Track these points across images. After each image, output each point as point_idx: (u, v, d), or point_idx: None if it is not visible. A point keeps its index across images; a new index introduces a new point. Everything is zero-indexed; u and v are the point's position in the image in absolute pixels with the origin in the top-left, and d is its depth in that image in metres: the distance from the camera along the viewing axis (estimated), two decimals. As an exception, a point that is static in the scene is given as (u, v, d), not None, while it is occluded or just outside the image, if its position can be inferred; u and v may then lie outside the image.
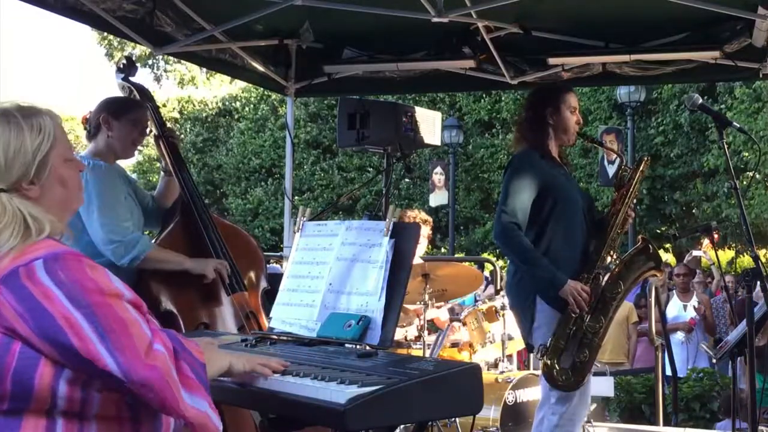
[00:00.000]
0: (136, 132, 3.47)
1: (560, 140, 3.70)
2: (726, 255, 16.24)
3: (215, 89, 28.33)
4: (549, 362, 3.39)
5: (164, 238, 3.46)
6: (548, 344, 3.40)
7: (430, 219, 5.59)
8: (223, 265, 3.39)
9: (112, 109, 3.43)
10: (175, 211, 3.56)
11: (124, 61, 3.73)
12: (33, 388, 1.55)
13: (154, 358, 1.58)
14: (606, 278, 3.55)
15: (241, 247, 3.62)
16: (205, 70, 25.05)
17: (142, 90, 3.70)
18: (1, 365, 1.55)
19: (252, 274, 3.63)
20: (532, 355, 5.64)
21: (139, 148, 3.83)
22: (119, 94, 3.71)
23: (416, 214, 5.46)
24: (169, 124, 3.81)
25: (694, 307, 8.10)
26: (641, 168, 3.72)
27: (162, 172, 3.78)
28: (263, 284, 3.67)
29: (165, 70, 29.02)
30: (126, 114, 3.44)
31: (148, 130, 3.55)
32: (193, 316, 3.32)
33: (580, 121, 3.74)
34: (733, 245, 15.86)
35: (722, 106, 14.51)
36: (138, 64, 3.70)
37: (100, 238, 3.22)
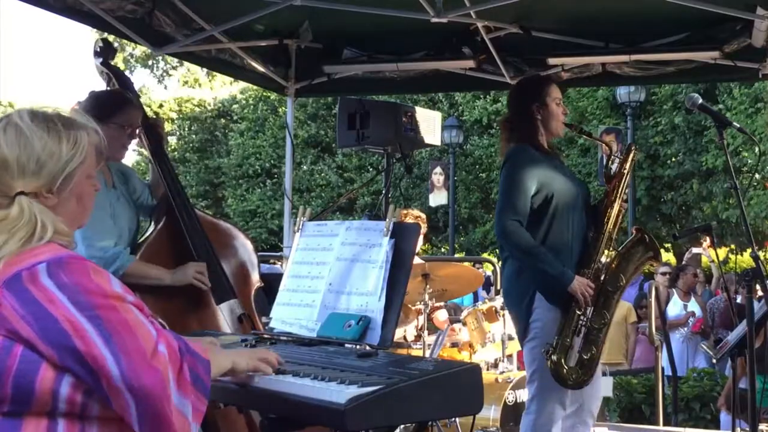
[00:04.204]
0: (125, 136, 3.30)
1: (549, 134, 3.68)
2: (721, 254, 16.24)
3: (216, 90, 28.35)
4: (557, 360, 3.36)
5: (149, 243, 3.32)
6: (554, 342, 3.37)
7: (423, 216, 5.57)
8: (201, 267, 3.26)
9: (99, 110, 3.10)
10: (162, 210, 3.41)
11: (101, 44, 3.51)
12: (34, 391, 1.55)
13: (158, 360, 1.57)
14: (605, 272, 3.53)
15: (228, 245, 3.50)
16: (206, 70, 25.05)
17: (122, 76, 3.52)
18: (1, 368, 1.54)
19: (242, 272, 3.52)
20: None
21: (137, 148, 3.69)
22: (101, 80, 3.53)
23: (407, 212, 5.43)
24: (166, 124, 3.68)
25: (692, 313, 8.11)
26: (631, 157, 3.69)
27: (150, 163, 3.60)
28: (255, 279, 3.57)
29: (167, 72, 29.02)
30: (114, 117, 3.24)
31: (138, 130, 3.37)
32: (182, 325, 3.20)
33: (566, 112, 3.73)
34: (733, 246, 15.86)
35: (721, 106, 14.52)
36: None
37: (81, 252, 3.06)
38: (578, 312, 3.41)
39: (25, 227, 1.62)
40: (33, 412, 1.57)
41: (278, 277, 2.75)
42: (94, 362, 1.53)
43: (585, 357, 3.41)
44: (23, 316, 1.54)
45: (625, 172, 3.65)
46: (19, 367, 1.54)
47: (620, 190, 3.63)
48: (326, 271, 2.46)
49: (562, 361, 3.37)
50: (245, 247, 3.62)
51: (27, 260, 1.59)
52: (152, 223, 3.48)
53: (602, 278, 3.50)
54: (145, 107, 3.58)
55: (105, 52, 3.52)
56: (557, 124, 3.66)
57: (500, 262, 3.80)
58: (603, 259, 3.54)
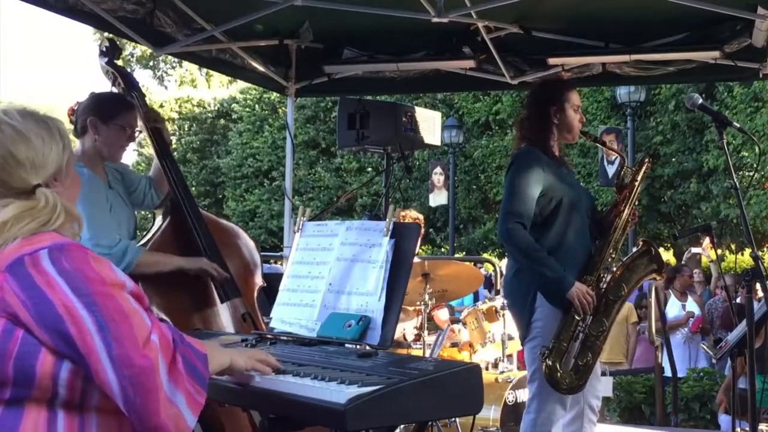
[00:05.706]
0: (124, 137, 3.33)
1: (564, 139, 3.68)
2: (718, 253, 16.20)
3: (214, 90, 28.35)
4: (551, 364, 3.36)
5: (153, 242, 3.33)
6: (551, 346, 3.37)
7: (421, 217, 5.56)
8: (213, 267, 3.28)
9: (99, 112, 3.23)
10: (166, 208, 3.43)
11: (107, 44, 3.53)
12: (35, 374, 1.57)
13: (149, 349, 1.59)
14: (608, 281, 3.53)
15: (231, 244, 3.51)
16: (204, 71, 25.06)
17: (127, 76, 3.53)
18: (3, 350, 1.57)
19: (245, 271, 3.53)
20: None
21: (137, 148, 3.70)
22: (105, 79, 3.54)
23: (406, 213, 5.42)
24: (167, 124, 3.66)
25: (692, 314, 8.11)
26: (643, 168, 3.69)
27: (155, 159, 3.61)
28: (258, 278, 3.58)
29: (166, 72, 29.04)
30: (115, 119, 3.27)
31: (137, 132, 3.40)
32: (185, 322, 3.20)
33: (584, 120, 3.71)
34: (733, 245, 15.86)
35: (721, 107, 14.51)
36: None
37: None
38: (577, 318, 3.41)
39: (48, 214, 1.70)
40: (34, 399, 1.59)
41: (279, 276, 2.75)
42: (85, 348, 1.56)
43: (580, 363, 3.41)
44: (23, 300, 1.58)
45: (637, 183, 3.64)
46: (20, 350, 1.57)
47: (630, 200, 3.62)
48: (326, 271, 2.46)
49: (557, 365, 3.37)
50: (248, 246, 3.62)
51: (30, 245, 1.62)
52: (153, 219, 3.48)
53: (604, 286, 3.50)
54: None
55: (110, 52, 3.53)
56: (573, 130, 3.65)
57: (501, 262, 3.80)
58: (607, 267, 3.54)
